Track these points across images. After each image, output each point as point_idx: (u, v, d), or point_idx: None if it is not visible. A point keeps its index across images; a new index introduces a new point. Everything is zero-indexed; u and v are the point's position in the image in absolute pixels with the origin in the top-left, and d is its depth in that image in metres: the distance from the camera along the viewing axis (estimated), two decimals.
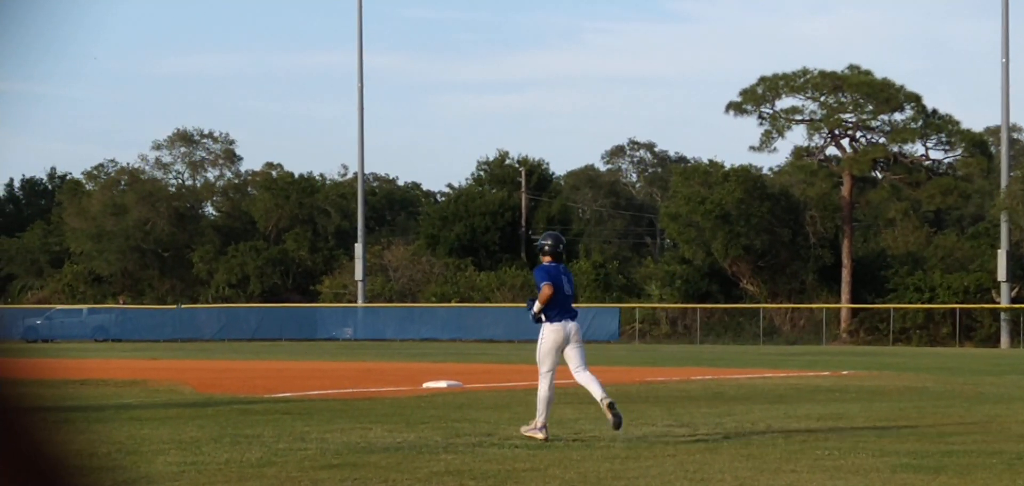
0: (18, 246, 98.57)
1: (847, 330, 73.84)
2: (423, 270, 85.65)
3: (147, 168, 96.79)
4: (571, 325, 15.38)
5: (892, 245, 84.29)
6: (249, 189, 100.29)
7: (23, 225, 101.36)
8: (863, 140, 77.50)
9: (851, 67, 77.05)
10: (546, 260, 15.40)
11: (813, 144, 78.12)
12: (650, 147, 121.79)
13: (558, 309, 15.19)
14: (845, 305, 75.02)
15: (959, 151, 77.32)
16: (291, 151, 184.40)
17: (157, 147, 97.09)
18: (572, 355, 15.49)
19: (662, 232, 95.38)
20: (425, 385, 25.19)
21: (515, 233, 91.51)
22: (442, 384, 25.28)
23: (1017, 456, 12.78)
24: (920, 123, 76.51)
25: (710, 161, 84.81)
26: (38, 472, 1.79)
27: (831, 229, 77.85)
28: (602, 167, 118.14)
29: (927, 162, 77.34)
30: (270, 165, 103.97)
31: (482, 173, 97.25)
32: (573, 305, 15.45)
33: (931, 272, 75.10)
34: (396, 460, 12.19)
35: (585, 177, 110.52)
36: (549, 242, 15.55)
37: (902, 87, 76.24)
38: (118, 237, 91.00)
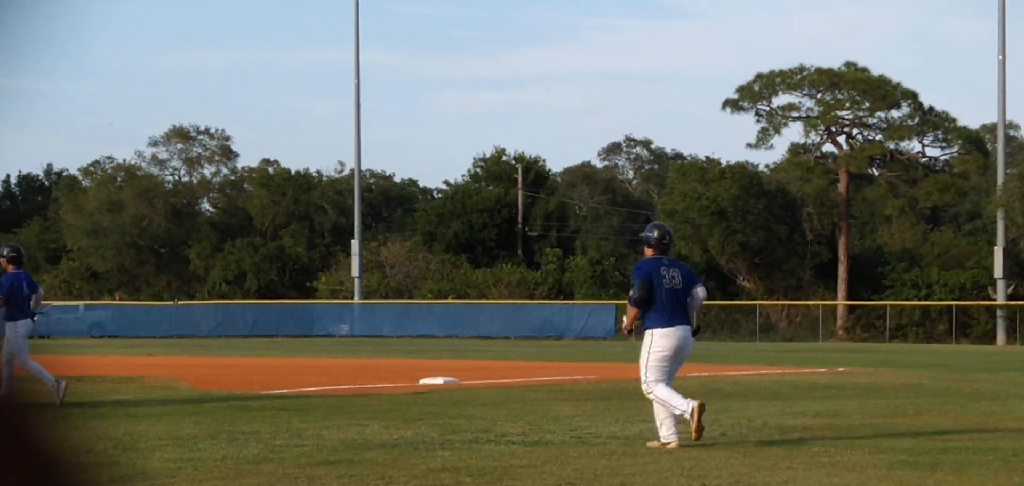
0: (14, 242, 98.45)
1: (843, 327, 73.88)
2: (420, 267, 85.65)
3: (144, 164, 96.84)
4: (29, 323, 19.41)
5: (889, 242, 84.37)
6: (245, 185, 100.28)
7: (20, 221, 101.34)
8: (860, 137, 77.55)
9: (848, 64, 77.10)
10: (10, 267, 19.31)
11: (810, 141, 78.19)
12: (647, 144, 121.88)
13: (17, 309, 19.01)
14: (841, 302, 75.05)
15: (956, 148, 77.39)
16: (288, 147, 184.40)
17: (154, 144, 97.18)
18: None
19: None
20: (422, 382, 25.18)
21: (512, 230, 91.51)
22: (438, 381, 25.27)
23: (1013, 453, 12.80)
24: (917, 120, 76.57)
25: (707, 158, 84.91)
26: (36, 468, 1.79)
27: (828, 226, 77.89)
28: (599, 164, 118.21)
29: (924, 159, 77.41)
30: (267, 161, 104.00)
31: (479, 170, 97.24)
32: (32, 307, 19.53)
33: (928, 269, 75.17)
34: (393, 456, 12.19)
35: (582, 174, 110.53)
36: (6, 252, 19.53)
37: (899, 84, 76.30)
38: (114, 233, 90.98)
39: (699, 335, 14.23)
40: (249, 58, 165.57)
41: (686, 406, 13.31)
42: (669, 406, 13.45)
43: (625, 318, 13.99)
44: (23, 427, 1.84)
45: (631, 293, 13.71)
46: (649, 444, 13.48)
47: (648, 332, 13.65)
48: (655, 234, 13.91)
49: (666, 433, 13.43)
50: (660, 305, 13.54)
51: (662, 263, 13.70)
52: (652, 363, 13.63)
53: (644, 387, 13.73)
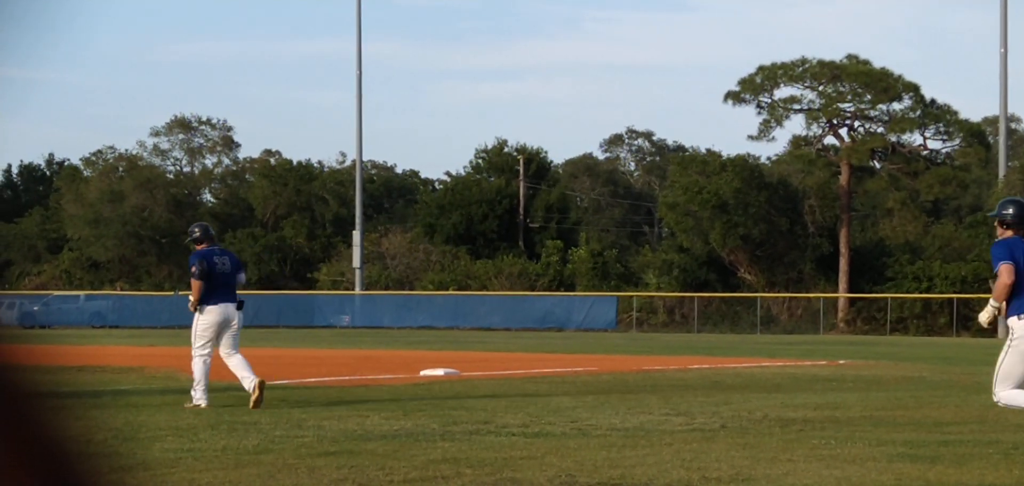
0: (16, 232, 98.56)
1: (844, 319, 73.86)
2: (421, 258, 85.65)
3: (145, 155, 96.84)
4: None
5: (890, 235, 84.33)
6: (247, 176, 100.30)
7: (21, 211, 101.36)
8: (861, 130, 77.51)
9: (849, 56, 77.04)
10: None
11: (811, 133, 78.13)
12: (648, 136, 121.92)
13: None
14: (843, 294, 75.03)
15: (957, 141, 77.33)
16: (289, 138, 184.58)
17: (155, 134, 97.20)
18: None
19: (660, 221, 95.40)
20: (422, 373, 25.18)
21: (513, 221, 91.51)
22: (439, 372, 25.27)
23: (1013, 446, 12.79)
24: (918, 113, 76.51)
25: (708, 150, 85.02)
26: (39, 458, 1.79)
27: (829, 218, 77.87)
28: (600, 155, 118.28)
29: (925, 152, 77.35)
30: (268, 152, 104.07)
31: (480, 161, 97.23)
32: None
33: (929, 262, 75.13)
34: (393, 447, 12.19)
35: (583, 165, 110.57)
36: None
37: (900, 77, 76.25)
38: (116, 223, 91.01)
39: (243, 308, 17.98)
40: (251, 48, 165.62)
41: (200, 396, 17.01)
42: (197, 377, 17.13)
43: (191, 296, 17.40)
44: (26, 417, 1.84)
45: (193, 271, 17.24)
46: (185, 405, 16.93)
47: (201, 306, 17.28)
48: (198, 232, 17.73)
49: (198, 396, 17.05)
50: (213, 286, 17.28)
51: (215, 252, 17.52)
52: (201, 332, 17.26)
53: (193, 350, 17.29)
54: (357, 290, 79.75)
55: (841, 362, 32.18)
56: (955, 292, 71.15)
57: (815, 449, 12.42)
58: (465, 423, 14.75)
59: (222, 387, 20.98)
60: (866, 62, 76.65)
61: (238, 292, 17.93)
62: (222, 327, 17.39)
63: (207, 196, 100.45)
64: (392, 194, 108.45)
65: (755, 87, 77.48)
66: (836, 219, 77.74)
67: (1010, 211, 12.63)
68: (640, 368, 28.26)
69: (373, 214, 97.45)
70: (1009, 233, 12.59)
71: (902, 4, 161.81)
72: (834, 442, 13.03)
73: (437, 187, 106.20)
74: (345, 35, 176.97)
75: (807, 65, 76.75)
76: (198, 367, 17.13)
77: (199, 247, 17.60)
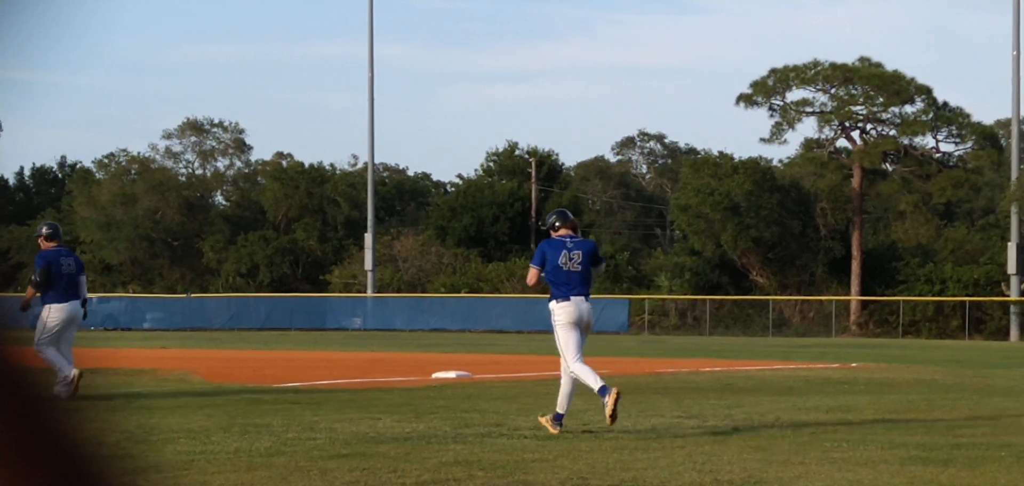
0: (28, 234, 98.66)
1: (856, 322, 73.76)
2: (432, 261, 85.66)
3: (157, 157, 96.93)
4: None
5: (902, 237, 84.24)
6: (259, 179, 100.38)
7: (33, 213, 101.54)
8: (873, 132, 77.41)
9: (862, 59, 76.94)
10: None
11: (823, 136, 78.06)
12: (660, 138, 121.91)
13: None
14: (855, 297, 74.93)
15: (970, 144, 77.22)
16: (301, 141, 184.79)
17: (167, 136, 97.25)
18: None
19: (672, 224, 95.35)
20: (434, 375, 25.18)
21: (525, 224, 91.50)
22: (451, 374, 25.27)
23: None
24: (931, 116, 76.40)
25: (720, 153, 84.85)
26: (51, 459, 1.80)
27: (841, 221, 77.79)
28: (612, 158, 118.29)
29: (937, 154, 77.24)
30: (280, 155, 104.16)
31: (492, 164, 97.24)
32: None
33: (941, 264, 75.04)
34: (405, 450, 12.20)
35: (595, 168, 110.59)
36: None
37: (913, 79, 76.15)
38: (128, 226, 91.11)
39: (87, 307, 19.03)
40: (263, 51, 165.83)
41: (70, 371, 18.03)
42: (54, 366, 17.90)
43: (25, 295, 18.45)
44: (44, 419, 1.84)
45: (34, 277, 18.28)
46: (54, 387, 17.67)
47: (46, 307, 18.27)
48: (48, 230, 18.79)
49: (64, 373, 17.95)
50: (60, 286, 18.29)
51: (61, 254, 18.64)
52: (48, 330, 18.19)
53: (36, 346, 18.00)
54: (369, 293, 79.74)
55: (853, 365, 32.14)
56: (967, 295, 71.03)
57: (827, 452, 12.41)
58: (477, 426, 14.75)
59: (234, 390, 21.01)
60: (878, 65, 76.57)
61: (82, 295, 18.90)
62: (67, 325, 18.47)
63: (219, 198, 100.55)
64: (404, 197, 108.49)
65: (767, 90, 77.40)
66: (848, 222, 77.66)
67: (552, 219, 14.86)
68: (652, 371, 28.25)
69: (385, 217, 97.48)
70: (563, 232, 14.63)
71: (914, 6, 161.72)
72: (846, 445, 13.02)
73: (449, 190, 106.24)
74: (357, 37, 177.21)
75: (819, 68, 76.66)
76: (49, 354, 18.05)
77: (47, 246, 18.60)
